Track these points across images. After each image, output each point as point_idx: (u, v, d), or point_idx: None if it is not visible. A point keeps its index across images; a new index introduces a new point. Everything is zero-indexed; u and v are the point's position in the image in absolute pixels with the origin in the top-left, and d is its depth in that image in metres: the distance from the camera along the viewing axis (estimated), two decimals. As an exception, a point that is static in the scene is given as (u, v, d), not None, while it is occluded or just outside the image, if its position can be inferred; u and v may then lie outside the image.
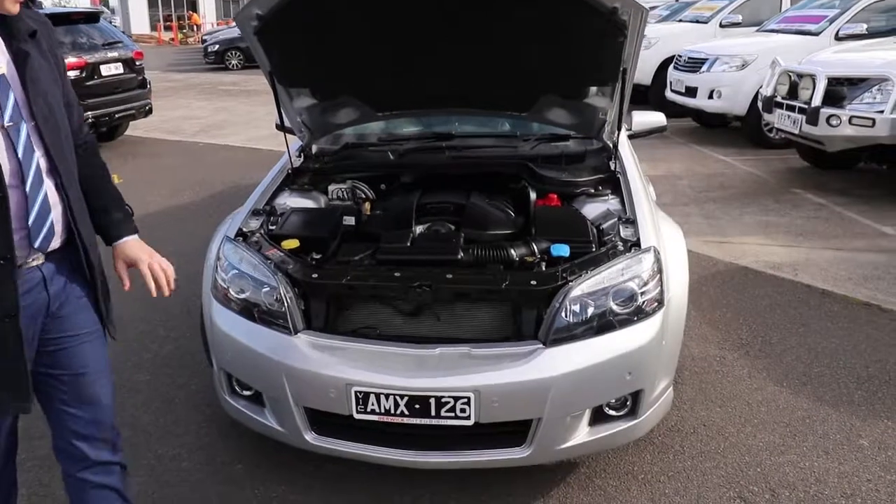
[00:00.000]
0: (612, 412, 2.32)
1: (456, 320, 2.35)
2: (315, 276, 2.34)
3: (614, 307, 2.24)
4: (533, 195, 2.92)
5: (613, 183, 2.92)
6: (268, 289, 2.35)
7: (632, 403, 2.33)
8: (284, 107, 3.05)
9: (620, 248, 2.39)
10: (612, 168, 2.97)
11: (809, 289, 4.12)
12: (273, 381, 2.30)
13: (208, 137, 9.44)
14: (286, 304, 2.29)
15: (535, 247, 2.48)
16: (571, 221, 2.66)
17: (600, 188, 2.89)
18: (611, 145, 3.07)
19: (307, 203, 3.01)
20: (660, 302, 2.32)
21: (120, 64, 8.48)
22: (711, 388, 3.09)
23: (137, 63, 8.82)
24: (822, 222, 5.35)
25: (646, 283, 2.29)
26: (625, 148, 3.15)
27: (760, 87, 7.04)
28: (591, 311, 2.21)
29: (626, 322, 2.24)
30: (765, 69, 7.06)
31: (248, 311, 2.38)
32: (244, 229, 2.65)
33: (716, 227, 5.32)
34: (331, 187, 3.08)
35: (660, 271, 2.36)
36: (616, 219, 2.63)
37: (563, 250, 2.42)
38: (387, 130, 3.59)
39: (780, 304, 3.92)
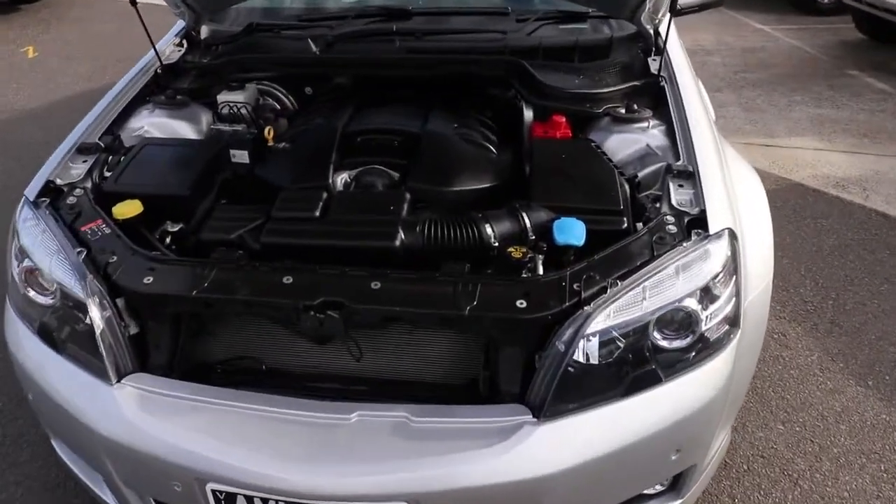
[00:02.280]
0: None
1: (388, 357, 1.41)
2: (148, 280, 1.37)
3: (659, 341, 1.30)
4: (528, 115, 1.87)
5: (655, 97, 1.87)
6: (73, 300, 1.39)
7: (673, 479, 1.47)
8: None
9: (672, 228, 1.41)
10: (656, 70, 1.90)
11: (887, 219, 3.16)
12: (92, 454, 1.41)
13: (154, -6, 7.98)
14: (99, 331, 1.35)
15: (526, 221, 1.49)
16: (589, 172, 1.63)
17: (635, 106, 1.83)
18: (652, 32, 1.98)
19: (177, 128, 1.94)
20: (733, 323, 1.38)
21: None
22: (770, 388, 2.22)
23: None
24: (889, 118, 4.31)
25: (713, 296, 1.34)
26: (672, 39, 2.02)
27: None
28: (619, 352, 1.28)
29: (676, 366, 1.31)
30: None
31: (48, 333, 1.44)
32: (58, 181, 1.64)
33: (759, 122, 4.27)
34: (220, 97, 1.99)
35: (736, 271, 1.39)
36: (661, 166, 1.62)
37: (573, 233, 1.42)
38: (314, 2, 2.44)
39: (850, 244, 2.97)
